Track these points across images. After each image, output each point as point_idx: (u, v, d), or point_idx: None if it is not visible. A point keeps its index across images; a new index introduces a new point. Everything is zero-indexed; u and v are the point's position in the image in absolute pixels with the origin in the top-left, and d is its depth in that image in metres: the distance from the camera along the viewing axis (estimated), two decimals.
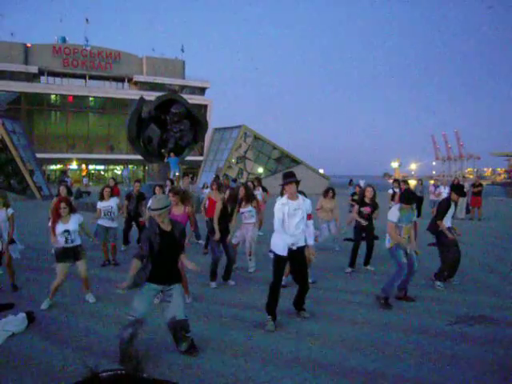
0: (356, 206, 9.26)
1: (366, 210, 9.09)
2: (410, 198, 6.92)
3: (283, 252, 5.91)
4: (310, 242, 6.13)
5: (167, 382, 0.69)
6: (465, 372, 4.55)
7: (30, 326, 5.70)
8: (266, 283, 7.88)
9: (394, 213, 6.86)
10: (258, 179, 13.60)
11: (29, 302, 6.76)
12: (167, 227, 4.90)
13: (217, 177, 15.53)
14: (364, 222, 9.03)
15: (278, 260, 6.00)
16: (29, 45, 60.32)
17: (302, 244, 6.04)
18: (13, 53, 58.44)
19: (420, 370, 4.58)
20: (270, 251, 9.97)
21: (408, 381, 4.36)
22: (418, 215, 19.09)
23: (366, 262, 9.25)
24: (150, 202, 5.33)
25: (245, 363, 4.72)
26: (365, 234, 9.19)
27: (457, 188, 8.36)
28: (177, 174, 18.44)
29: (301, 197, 6.12)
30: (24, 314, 5.79)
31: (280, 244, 5.94)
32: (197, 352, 4.92)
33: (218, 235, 7.79)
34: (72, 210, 6.82)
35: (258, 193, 11.98)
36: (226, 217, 7.99)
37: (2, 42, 58.63)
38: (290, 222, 5.95)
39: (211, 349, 5.08)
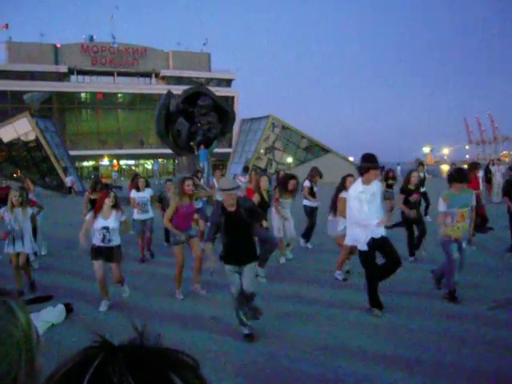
0: (401, 196, 8.59)
1: (415, 197, 8.52)
2: (461, 175, 6.09)
3: (364, 247, 5.59)
4: (383, 232, 5.75)
5: (180, 352, 0.71)
6: (503, 357, 4.48)
7: (68, 317, 5.88)
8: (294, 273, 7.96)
9: (440, 203, 6.19)
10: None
11: (67, 293, 6.95)
12: (232, 208, 5.00)
13: (257, 168, 15.12)
14: (413, 214, 8.38)
15: (364, 255, 5.67)
16: (58, 45, 61.42)
17: (383, 232, 5.71)
18: (43, 54, 59.64)
19: (457, 356, 4.52)
20: (304, 239, 9.97)
21: (445, 367, 4.32)
22: None
23: (417, 246, 8.74)
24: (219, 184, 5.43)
25: (279, 352, 4.77)
26: (415, 223, 8.69)
27: None
28: (201, 165, 18.45)
29: (375, 180, 5.70)
30: (62, 306, 5.96)
31: (361, 238, 5.58)
32: (260, 314, 5.20)
33: (265, 223, 7.36)
34: (116, 205, 6.30)
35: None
36: (264, 207, 7.74)
37: (32, 44, 59.92)
38: (369, 210, 5.55)
39: (229, 335, 5.14)
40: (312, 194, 9.82)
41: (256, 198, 7.53)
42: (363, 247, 5.62)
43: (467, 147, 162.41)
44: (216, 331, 5.28)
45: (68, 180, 30.12)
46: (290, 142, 36.11)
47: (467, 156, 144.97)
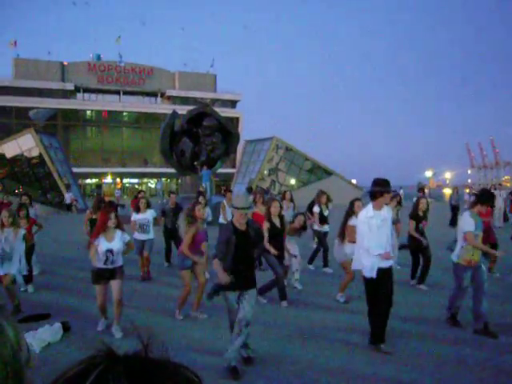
0: (412, 222, 8.43)
1: (423, 224, 8.44)
2: (491, 198, 6.06)
3: (371, 273, 5.32)
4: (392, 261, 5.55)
5: (185, 368, 0.71)
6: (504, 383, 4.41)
7: (65, 336, 5.81)
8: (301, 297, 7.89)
9: (468, 221, 5.95)
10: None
11: (64, 311, 6.88)
12: (243, 227, 4.91)
13: (262, 189, 14.83)
14: (425, 242, 8.26)
15: (368, 283, 5.42)
16: (65, 63, 62.16)
17: (390, 263, 5.45)
18: (50, 71, 60.31)
19: (458, 381, 4.46)
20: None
21: None
22: (454, 224, 18.69)
23: (422, 280, 8.39)
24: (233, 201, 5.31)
25: (278, 375, 4.69)
26: (421, 251, 8.47)
27: None
28: (203, 186, 18.48)
29: (385, 206, 5.55)
30: (59, 324, 5.90)
31: (367, 264, 5.36)
32: (251, 363, 4.98)
33: (273, 251, 7.16)
34: (119, 224, 6.09)
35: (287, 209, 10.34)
36: (276, 234, 7.39)
37: (40, 61, 60.61)
38: (379, 236, 5.35)
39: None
40: (321, 219, 9.78)
41: (266, 226, 7.26)
42: (368, 274, 5.38)
43: (469, 172, 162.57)
44: (214, 353, 5.20)
45: (67, 197, 29.37)
46: (293, 163, 36.20)
47: (469, 180, 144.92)
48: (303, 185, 35.05)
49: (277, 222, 7.43)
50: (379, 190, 5.40)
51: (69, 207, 28.88)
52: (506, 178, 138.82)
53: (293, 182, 36.00)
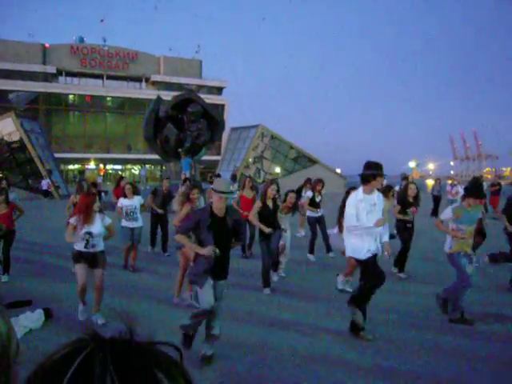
0: (397, 207, 8.38)
1: (413, 210, 8.35)
2: (478, 190, 5.88)
3: (366, 255, 5.20)
4: (386, 238, 5.52)
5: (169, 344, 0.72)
6: (461, 364, 4.49)
7: (47, 323, 5.75)
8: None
9: (446, 211, 5.98)
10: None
11: (46, 298, 6.80)
12: (221, 213, 4.70)
13: (249, 176, 14.97)
14: (409, 218, 8.29)
15: (365, 265, 5.27)
16: (47, 45, 60.88)
17: (376, 250, 5.34)
18: (31, 53, 59.05)
19: (436, 367, 4.53)
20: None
21: (423, 377, 4.32)
22: (436, 214, 18.92)
23: (402, 268, 8.44)
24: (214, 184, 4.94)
25: (260, 361, 4.71)
26: (403, 240, 8.46)
27: None
28: (185, 173, 18.32)
29: (376, 191, 5.41)
30: (41, 311, 5.82)
31: (361, 249, 5.23)
32: (215, 340, 4.87)
33: (267, 229, 7.14)
34: (100, 209, 5.99)
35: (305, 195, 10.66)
36: (269, 214, 7.41)
37: (20, 43, 59.30)
38: (368, 220, 5.18)
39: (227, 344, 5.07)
40: (313, 204, 9.82)
41: (258, 204, 7.42)
42: (363, 256, 5.25)
43: (452, 163, 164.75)
44: (197, 338, 5.19)
45: (44, 183, 28.57)
46: (278, 151, 36.20)
47: (452, 172, 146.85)
48: (288, 173, 35.10)
49: (270, 203, 7.49)
50: (372, 173, 5.24)
51: (46, 194, 28.32)
52: (487, 169, 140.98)
53: (277, 170, 36.03)
